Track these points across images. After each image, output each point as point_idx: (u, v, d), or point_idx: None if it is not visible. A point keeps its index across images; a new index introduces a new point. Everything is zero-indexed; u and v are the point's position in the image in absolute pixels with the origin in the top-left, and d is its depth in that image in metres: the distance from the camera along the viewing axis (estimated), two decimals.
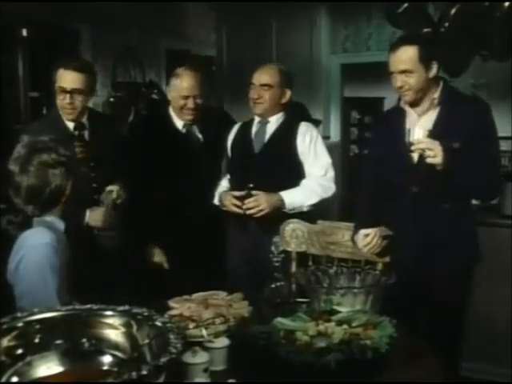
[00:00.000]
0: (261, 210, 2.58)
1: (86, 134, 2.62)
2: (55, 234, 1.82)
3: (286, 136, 2.74)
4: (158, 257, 2.80)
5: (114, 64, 4.93)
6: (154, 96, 5.03)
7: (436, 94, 2.26)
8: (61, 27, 4.39)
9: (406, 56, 2.19)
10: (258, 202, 2.59)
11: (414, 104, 2.29)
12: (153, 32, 5.22)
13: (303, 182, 2.71)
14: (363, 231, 2.32)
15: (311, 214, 2.64)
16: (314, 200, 2.67)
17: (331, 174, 2.74)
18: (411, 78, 2.20)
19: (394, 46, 2.25)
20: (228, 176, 2.88)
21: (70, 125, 2.60)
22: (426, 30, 3.63)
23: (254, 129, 2.80)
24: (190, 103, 2.75)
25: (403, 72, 2.20)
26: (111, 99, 4.92)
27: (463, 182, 2.19)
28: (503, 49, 3.49)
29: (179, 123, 2.84)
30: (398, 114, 2.35)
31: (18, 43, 4.07)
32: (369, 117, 7.65)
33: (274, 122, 2.77)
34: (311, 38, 5.21)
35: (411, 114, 2.31)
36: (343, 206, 5.30)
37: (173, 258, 2.79)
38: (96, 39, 4.68)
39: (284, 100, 2.77)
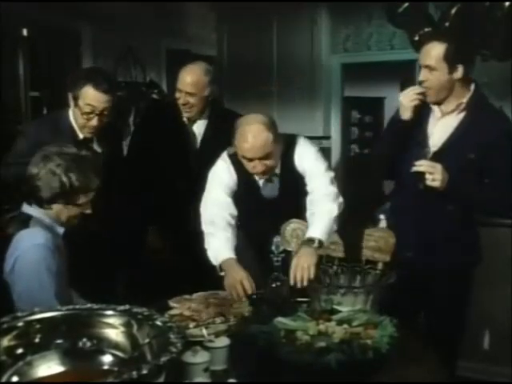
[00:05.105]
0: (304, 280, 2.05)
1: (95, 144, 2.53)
2: (51, 234, 1.82)
3: (290, 170, 2.37)
4: (157, 243, 2.81)
5: (115, 64, 4.93)
6: (155, 96, 5.03)
7: (465, 99, 2.22)
8: (61, 27, 4.39)
9: (433, 52, 2.18)
10: (297, 273, 2.05)
11: (438, 103, 2.25)
12: (153, 32, 5.22)
13: (312, 210, 2.27)
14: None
15: None
16: (335, 212, 2.25)
17: (334, 189, 2.31)
18: (433, 75, 2.18)
19: (427, 40, 2.24)
20: None
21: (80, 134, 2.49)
22: (426, 29, 3.63)
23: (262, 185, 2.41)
24: (182, 99, 2.68)
25: (427, 67, 2.20)
26: None
27: (472, 196, 2.20)
28: (504, 49, 3.49)
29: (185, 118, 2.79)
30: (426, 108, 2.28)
31: (19, 43, 4.07)
32: (369, 116, 7.67)
33: (279, 169, 2.37)
34: (312, 37, 5.22)
35: (435, 111, 2.28)
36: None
37: (171, 247, 2.79)
38: (97, 39, 4.68)
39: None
